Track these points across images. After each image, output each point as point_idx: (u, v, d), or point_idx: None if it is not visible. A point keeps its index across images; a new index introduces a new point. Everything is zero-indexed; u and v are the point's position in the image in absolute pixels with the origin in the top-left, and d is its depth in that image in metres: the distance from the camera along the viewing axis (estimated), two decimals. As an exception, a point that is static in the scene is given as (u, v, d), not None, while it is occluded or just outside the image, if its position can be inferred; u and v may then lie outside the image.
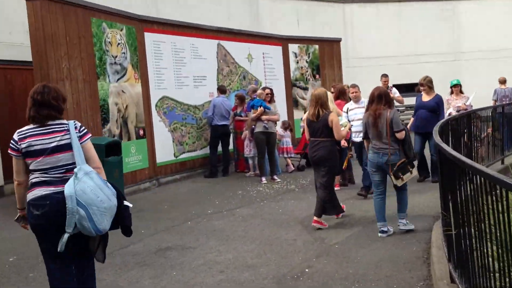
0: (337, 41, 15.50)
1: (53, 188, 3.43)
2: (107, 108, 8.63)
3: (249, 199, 8.16)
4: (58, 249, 3.37)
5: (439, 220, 5.44)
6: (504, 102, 12.06)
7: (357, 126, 7.53)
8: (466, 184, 3.40)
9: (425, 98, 8.53)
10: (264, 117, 9.38)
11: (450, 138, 6.34)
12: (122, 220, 3.64)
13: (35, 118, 3.51)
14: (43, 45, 7.55)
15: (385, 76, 10.40)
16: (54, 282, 3.54)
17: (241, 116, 10.50)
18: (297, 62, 14.39)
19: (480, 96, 10.17)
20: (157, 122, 9.93)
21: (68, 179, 3.40)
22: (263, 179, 9.47)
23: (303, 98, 14.46)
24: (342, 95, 8.78)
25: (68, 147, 3.48)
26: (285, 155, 10.66)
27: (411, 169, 5.72)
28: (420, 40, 19.66)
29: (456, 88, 9.16)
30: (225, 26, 12.72)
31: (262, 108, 9.33)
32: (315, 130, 6.26)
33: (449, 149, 4.06)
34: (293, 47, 14.29)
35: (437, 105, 8.38)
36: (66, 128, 3.53)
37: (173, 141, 10.29)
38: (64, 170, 3.48)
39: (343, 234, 5.90)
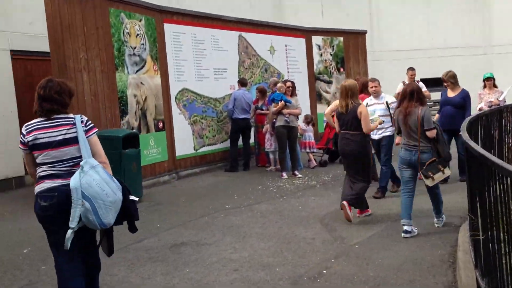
0: (362, 33, 15.11)
1: (61, 181, 3.46)
2: (126, 100, 8.51)
3: (269, 194, 7.96)
4: (64, 246, 3.39)
5: (466, 222, 5.16)
6: None
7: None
8: (495, 186, 3.16)
9: (451, 93, 8.16)
10: (285, 110, 9.15)
11: (479, 136, 6.03)
12: (128, 214, 3.67)
13: (39, 112, 3.56)
14: (60, 36, 7.46)
15: (411, 69, 10.06)
16: (61, 274, 3.56)
17: (262, 109, 10.28)
18: (321, 55, 14.09)
19: (515, 91, 9.71)
20: (177, 115, 9.79)
21: (75, 172, 3.42)
22: (284, 174, 9.25)
23: (327, 92, 14.16)
24: (365, 89, 8.47)
25: (74, 141, 3.51)
26: (307, 150, 10.42)
27: (443, 169, 5.48)
28: (449, 32, 19.06)
29: (489, 82, 8.75)
30: (246, 16, 12.50)
31: (283, 102, 9.10)
32: (345, 122, 6.17)
33: (477, 147, 3.79)
34: (316, 39, 13.99)
35: (464, 100, 8.00)
36: (72, 122, 3.55)
37: (193, 134, 10.14)
38: (71, 164, 3.51)
39: (364, 234, 5.65)
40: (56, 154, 3.48)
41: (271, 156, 10.14)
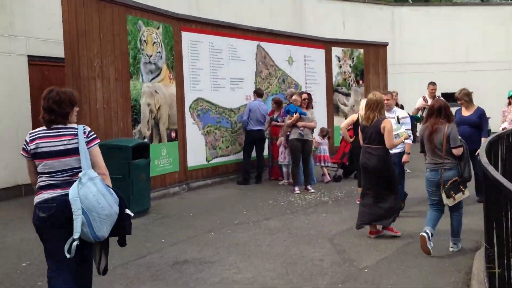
0: (383, 45, 14.86)
1: (60, 191, 3.49)
2: (139, 109, 8.43)
3: (279, 210, 7.77)
4: (69, 255, 3.40)
5: (482, 248, 4.91)
6: None
7: None
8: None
9: (465, 112, 7.85)
10: (300, 123, 8.96)
11: (500, 158, 5.78)
12: (122, 228, 3.63)
13: (43, 121, 3.63)
14: (76, 42, 7.41)
15: (432, 84, 9.80)
16: (52, 284, 3.56)
17: (277, 121, 10.11)
18: (340, 67, 13.88)
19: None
20: (190, 125, 9.68)
21: (74, 182, 3.45)
22: (296, 188, 9.05)
23: (344, 105, 13.93)
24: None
25: (75, 152, 3.53)
26: (322, 164, 10.20)
27: (463, 189, 5.38)
28: (473, 46, 18.70)
29: None
30: (266, 25, 12.39)
31: (297, 114, 8.92)
32: (368, 135, 6.05)
33: (494, 172, 3.57)
34: (336, 51, 13.79)
35: (480, 119, 7.70)
36: (74, 132, 3.57)
37: (206, 145, 10.01)
38: (70, 174, 3.53)
39: (375, 257, 5.42)
40: (55, 164, 3.51)
41: (284, 169, 9.95)
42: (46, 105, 3.57)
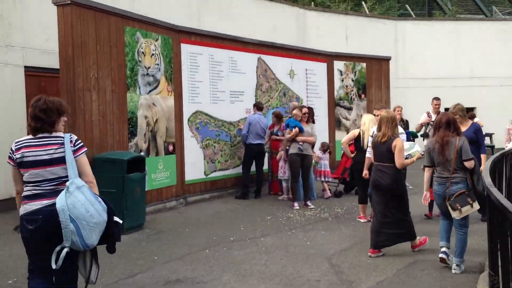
0: (386, 60, 14.73)
1: (45, 201, 3.47)
2: (135, 121, 8.27)
3: (277, 226, 7.56)
4: (55, 266, 3.39)
5: (486, 272, 4.70)
6: None
7: None
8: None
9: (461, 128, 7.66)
10: (299, 138, 8.79)
11: (504, 177, 5.59)
12: (111, 235, 3.63)
13: (29, 129, 3.63)
14: (71, 53, 7.26)
15: (436, 99, 9.60)
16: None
17: (277, 135, 9.93)
18: (342, 80, 13.74)
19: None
20: (189, 138, 9.51)
21: (61, 191, 3.43)
22: (296, 204, 8.85)
23: (346, 119, 13.76)
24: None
25: (61, 160, 3.51)
26: (322, 179, 10.00)
27: (471, 202, 5.21)
28: (477, 62, 18.55)
29: None
30: (269, 38, 12.27)
31: (297, 129, 8.75)
32: (379, 153, 5.96)
33: (499, 196, 3.38)
34: (338, 64, 13.65)
35: (476, 135, 7.49)
36: (61, 141, 3.55)
37: (204, 158, 9.83)
38: (56, 183, 3.52)
39: (374, 278, 5.21)
40: (41, 173, 3.49)
41: (284, 184, 9.76)
42: (33, 113, 3.56)
